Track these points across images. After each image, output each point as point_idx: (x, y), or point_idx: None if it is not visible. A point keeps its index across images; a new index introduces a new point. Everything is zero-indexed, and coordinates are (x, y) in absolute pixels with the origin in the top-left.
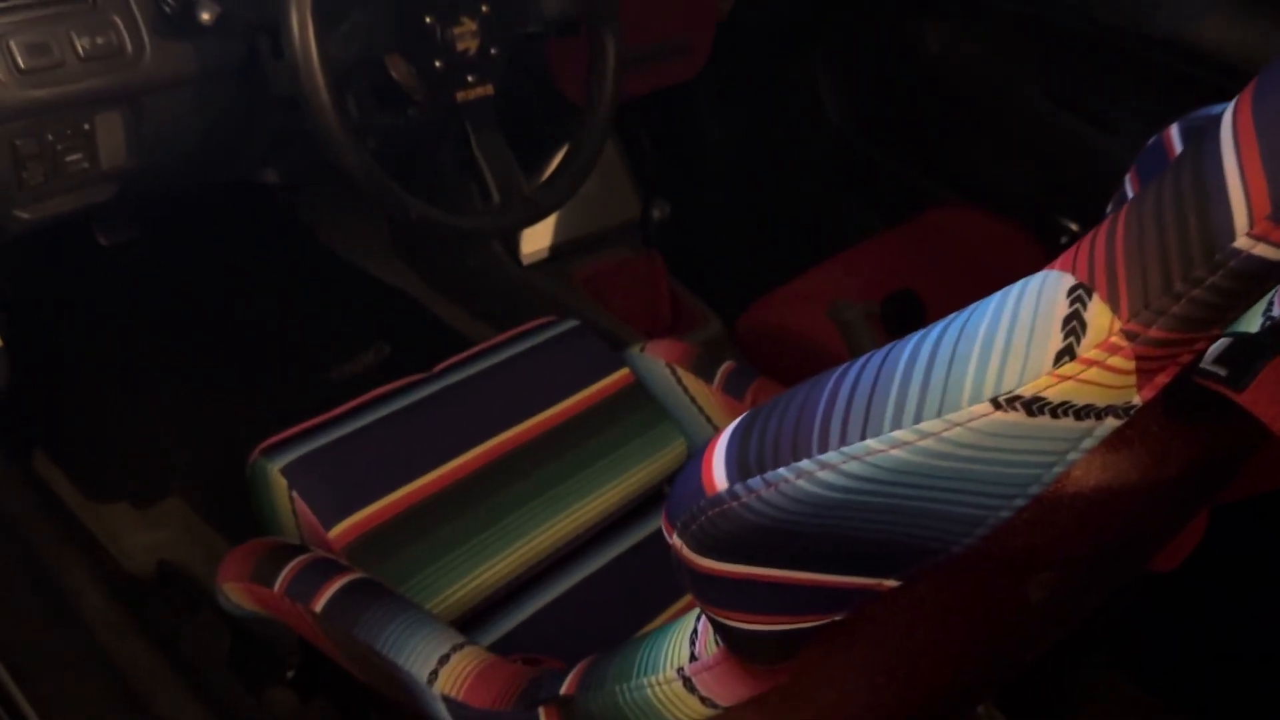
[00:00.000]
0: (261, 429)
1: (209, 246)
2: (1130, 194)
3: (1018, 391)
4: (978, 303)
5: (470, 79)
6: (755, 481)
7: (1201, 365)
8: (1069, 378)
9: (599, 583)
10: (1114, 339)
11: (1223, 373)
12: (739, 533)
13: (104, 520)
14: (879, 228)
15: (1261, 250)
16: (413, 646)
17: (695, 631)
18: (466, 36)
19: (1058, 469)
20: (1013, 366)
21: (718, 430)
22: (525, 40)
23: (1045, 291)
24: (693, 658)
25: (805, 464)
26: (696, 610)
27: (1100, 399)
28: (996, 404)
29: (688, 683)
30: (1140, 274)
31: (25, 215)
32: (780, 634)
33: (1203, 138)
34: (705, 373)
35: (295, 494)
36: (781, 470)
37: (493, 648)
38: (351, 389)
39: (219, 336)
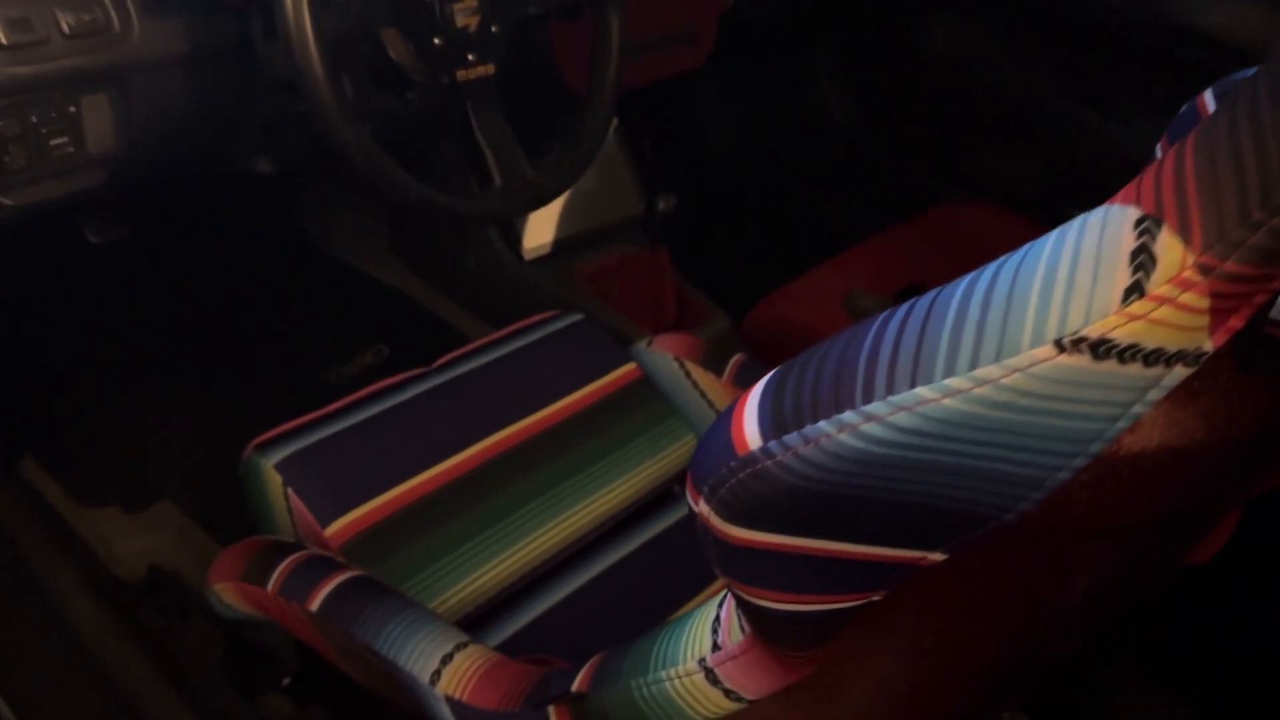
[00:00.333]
0: (256, 433)
1: (202, 245)
2: None
3: (1083, 332)
4: (1030, 243)
5: (471, 57)
6: (792, 438)
7: (1273, 315)
8: (1138, 317)
9: (608, 583)
10: (1187, 274)
11: None
12: (774, 496)
13: (94, 525)
14: (885, 225)
15: None
16: (414, 645)
17: (718, 619)
18: (466, 13)
19: (1122, 424)
20: (1077, 305)
21: None
22: (528, 22)
23: (1109, 225)
24: (715, 647)
25: (848, 416)
26: (718, 597)
27: (1171, 342)
28: (1060, 346)
29: (710, 674)
30: (1215, 203)
31: (8, 201)
32: (815, 615)
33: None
34: (715, 367)
35: (290, 491)
36: (822, 424)
37: (497, 650)
38: (349, 391)
39: (213, 338)
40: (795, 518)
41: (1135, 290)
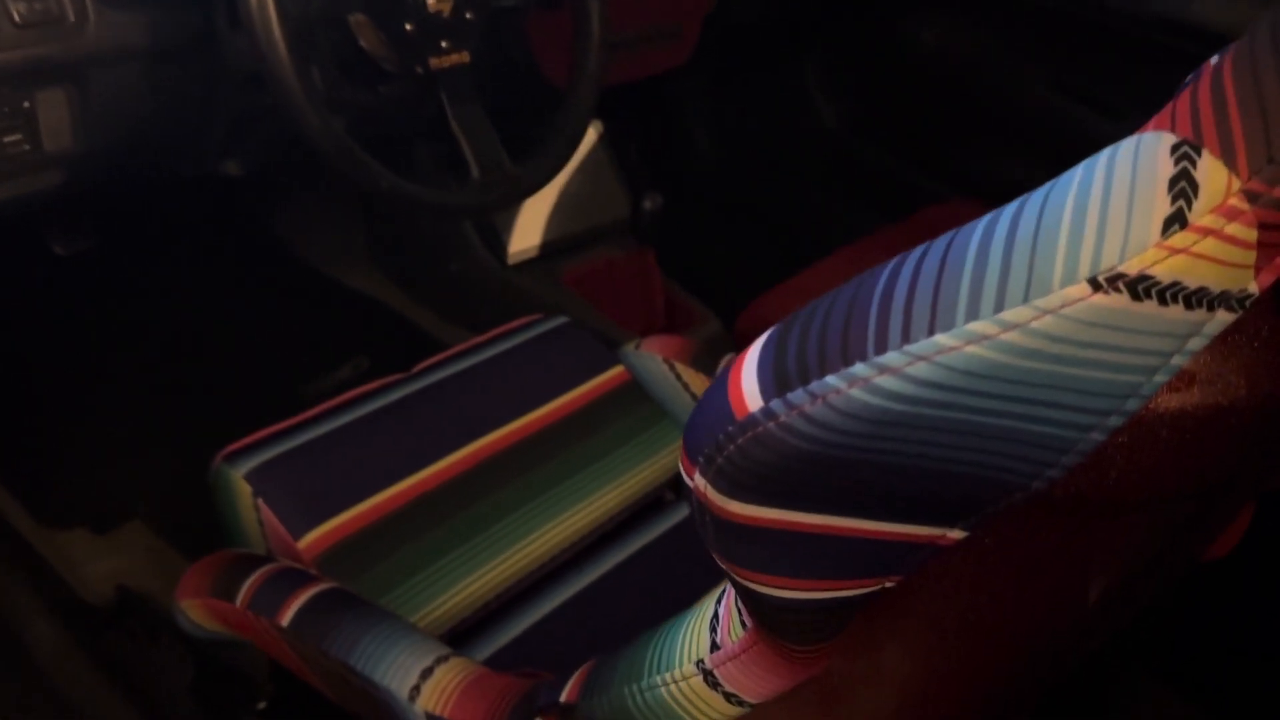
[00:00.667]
0: None
1: (172, 257)
2: None
3: (1120, 268)
4: (1053, 180)
5: (444, 45)
6: (797, 395)
7: None
8: (1181, 250)
9: (599, 594)
10: (1233, 201)
11: None
12: (778, 463)
13: (60, 546)
14: (875, 224)
15: None
16: (391, 660)
17: (716, 616)
18: None
19: (1160, 377)
20: (1112, 239)
21: None
22: (505, 11)
23: (1142, 154)
24: (714, 647)
25: (859, 369)
26: (717, 593)
27: (1215, 280)
28: (1095, 284)
29: (709, 677)
30: (1261, 123)
31: None
32: (822, 604)
33: None
34: (706, 368)
35: (261, 501)
36: (830, 379)
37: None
38: None
39: (184, 353)
40: (801, 489)
41: (1176, 220)
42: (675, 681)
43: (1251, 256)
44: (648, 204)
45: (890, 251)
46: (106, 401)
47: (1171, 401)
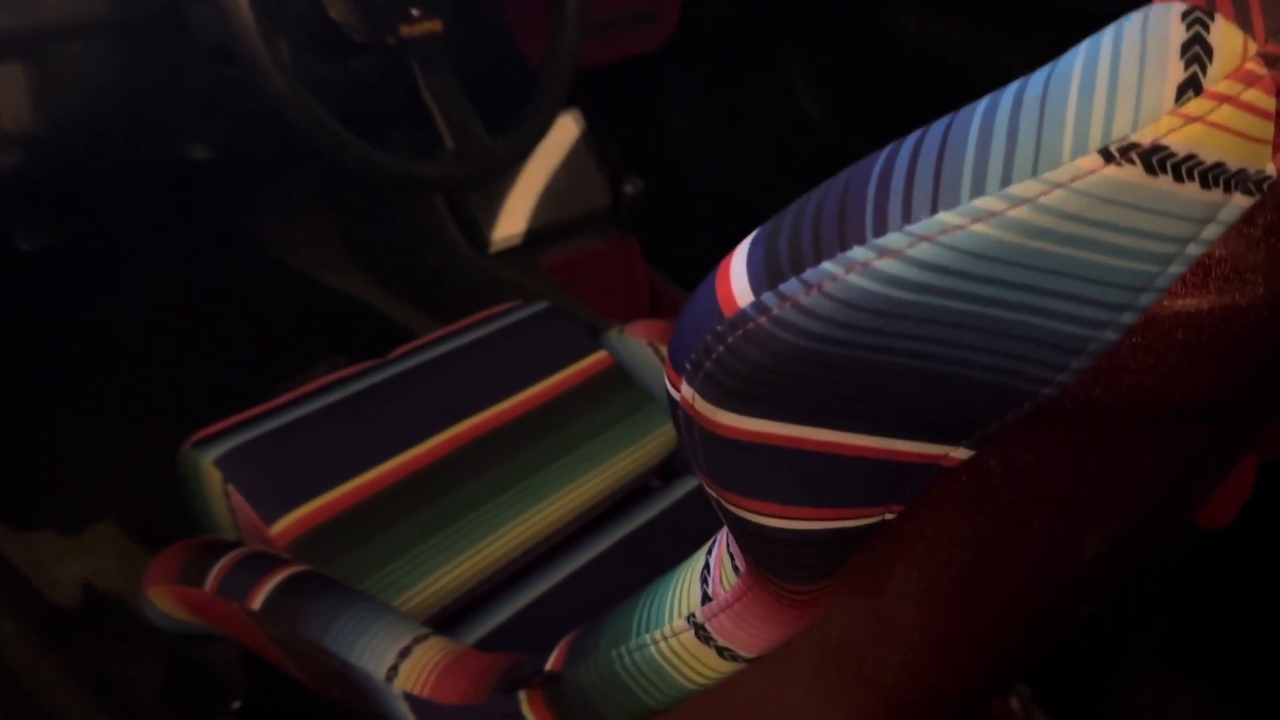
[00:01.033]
0: None
1: (142, 252)
2: None
3: (1134, 137)
4: (1062, 55)
5: (415, 13)
6: (790, 285)
7: None
8: (1196, 118)
9: (583, 582)
10: (1250, 65)
11: None
12: (771, 364)
13: (26, 549)
14: None
15: None
16: (366, 641)
17: (707, 566)
18: None
19: (1175, 268)
20: (1124, 107)
21: None
22: None
23: (1151, 22)
24: (706, 598)
25: (858, 252)
26: (708, 544)
27: (1233, 155)
28: (1107, 155)
29: (700, 630)
30: None
31: None
32: (819, 536)
33: None
34: None
35: (231, 488)
36: (826, 265)
37: None
38: None
39: (153, 350)
40: (795, 396)
41: (1191, 86)
42: (665, 639)
43: (1270, 130)
44: (629, 188)
45: None
46: (73, 402)
47: (1187, 300)
